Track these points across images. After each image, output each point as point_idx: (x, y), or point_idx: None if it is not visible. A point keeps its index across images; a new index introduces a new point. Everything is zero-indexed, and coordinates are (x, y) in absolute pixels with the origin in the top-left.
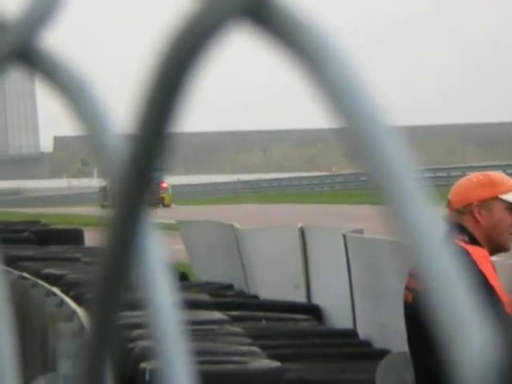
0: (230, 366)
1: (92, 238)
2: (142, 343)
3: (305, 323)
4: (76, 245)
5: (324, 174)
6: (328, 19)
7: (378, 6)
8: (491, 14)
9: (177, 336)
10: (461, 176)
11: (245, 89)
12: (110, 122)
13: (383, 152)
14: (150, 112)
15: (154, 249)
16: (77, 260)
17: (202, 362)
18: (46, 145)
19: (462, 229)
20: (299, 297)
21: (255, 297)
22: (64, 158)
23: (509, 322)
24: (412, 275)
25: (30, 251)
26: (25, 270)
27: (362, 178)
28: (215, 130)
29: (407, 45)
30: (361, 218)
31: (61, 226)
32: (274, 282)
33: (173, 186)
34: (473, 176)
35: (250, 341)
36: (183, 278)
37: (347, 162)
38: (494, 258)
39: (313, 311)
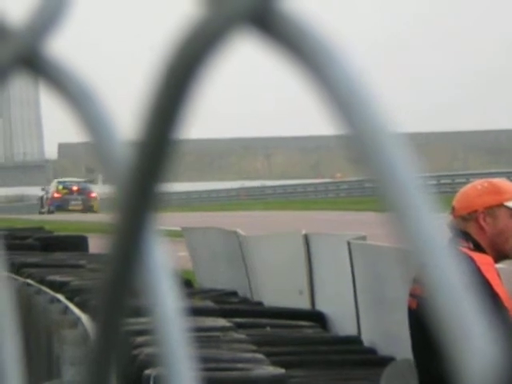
0: (234, 373)
1: (96, 245)
2: (147, 350)
3: (309, 330)
4: (80, 251)
5: (328, 180)
6: (332, 26)
7: (381, 14)
8: (495, 21)
9: (181, 343)
10: (465, 183)
11: (249, 95)
12: (115, 128)
13: (387, 159)
14: (155, 119)
15: (159, 255)
16: (81, 267)
17: (206, 369)
18: (51, 152)
19: (466, 236)
20: (303, 303)
21: (259, 304)
22: (68, 165)
23: None
24: (416, 282)
25: (34, 258)
26: (29, 276)
27: (367, 185)
28: (219, 136)
29: (410, 51)
30: (365, 224)
31: (65, 233)
32: (279, 288)
33: (177, 193)
34: (477, 183)
35: (254, 348)
36: (187, 284)
37: (351, 169)
38: (498, 265)
39: (317, 318)
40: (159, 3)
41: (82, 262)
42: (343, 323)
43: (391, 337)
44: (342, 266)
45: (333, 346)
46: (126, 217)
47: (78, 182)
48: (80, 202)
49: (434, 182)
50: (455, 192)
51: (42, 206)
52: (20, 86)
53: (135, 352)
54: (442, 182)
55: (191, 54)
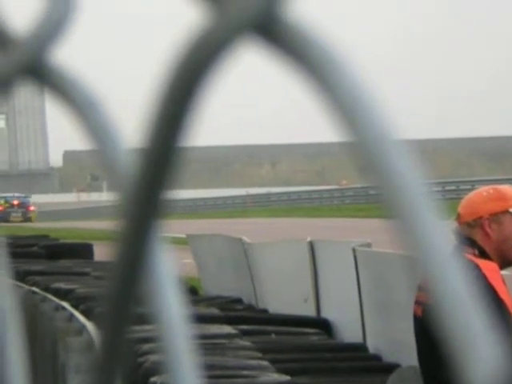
0: (240, 381)
1: (102, 253)
2: (152, 357)
3: (314, 337)
4: (85, 259)
5: (333, 187)
6: (337, 35)
7: (387, 23)
8: (494, 27)
9: (187, 350)
10: (470, 189)
11: (254, 103)
12: (121, 136)
13: (392, 166)
14: (160, 126)
15: (164, 263)
16: (86, 274)
17: (211, 377)
18: (56, 159)
19: (471, 242)
20: (309, 311)
21: (264, 311)
22: (73, 173)
23: None
24: (421, 289)
25: (39, 266)
26: (34, 284)
27: (372, 192)
28: (224, 144)
29: (415, 59)
30: (370, 231)
31: (70, 241)
32: (284, 295)
33: (182, 200)
34: (483, 190)
35: (259, 355)
36: (192, 292)
37: (357, 176)
38: (503, 272)
39: (322, 325)
40: (165, 12)
41: (87, 270)
42: (348, 330)
43: (396, 344)
44: (347, 273)
45: (338, 353)
46: (131, 224)
47: (18, 197)
48: (20, 214)
49: (439, 189)
50: (460, 198)
51: None
52: (25, 94)
53: (141, 359)
54: (447, 188)
55: (196, 63)
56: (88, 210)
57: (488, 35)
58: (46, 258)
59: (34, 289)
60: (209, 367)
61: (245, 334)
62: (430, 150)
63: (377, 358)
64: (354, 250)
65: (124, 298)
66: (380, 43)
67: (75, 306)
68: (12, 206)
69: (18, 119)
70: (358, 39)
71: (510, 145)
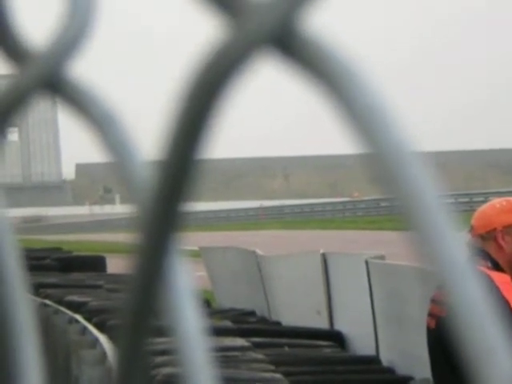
0: None
1: (115, 265)
2: (164, 370)
3: (327, 350)
4: (98, 272)
5: (346, 199)
6: (354, 48)
7: (397, 34)
8: (503, 38)
9: (204, 363)
10: (483, 202)
11: (268, 115)
12: (138, 149)
13: (408, 177)
14: (177, 140)
15: (182, 276)
16: (99, 287)
17: None
18: (68, 172)
19: (484, 255)
20: (321, 323)
21: (277, 323)
22: (86, 185)
23: None
24: (435, 301)
25: (52, 278)
26: (47, 297)
27: (383, 204)
28: (237, 156)
29: (428, 69)
30: (383, 243)
31: (83, 253)
32: (297, 308)
33: (195, 213)
34: (496, 202)
35: (272, 367)
36: (205, 304)
37: (369, 188)
38: None
39: (335, 337)
40: (182, 26)
41: (100, 283)
42: (361, 343)
43: (410, 356)
44: (360, 286)
45: (351, 365)
46: (149, 237)
47: None
48: None
49: (452, 201)
50: (473, 211)
51: None
52: (38, 107)
53: (153, 372)
54: (460, 200)
55: (214, 76)
56: (101, 223)
57: (500, 46)
58: (58, 270)
59: (47, 301)
60: (222, 380)
61: (258, 346)
62: (443, 163)
63: (390, 370)
64: (366, 262)
65: (141, 312)
66: (392, 52)
67: (88, 319)
68: None
69: (31, 132)
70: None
71: None
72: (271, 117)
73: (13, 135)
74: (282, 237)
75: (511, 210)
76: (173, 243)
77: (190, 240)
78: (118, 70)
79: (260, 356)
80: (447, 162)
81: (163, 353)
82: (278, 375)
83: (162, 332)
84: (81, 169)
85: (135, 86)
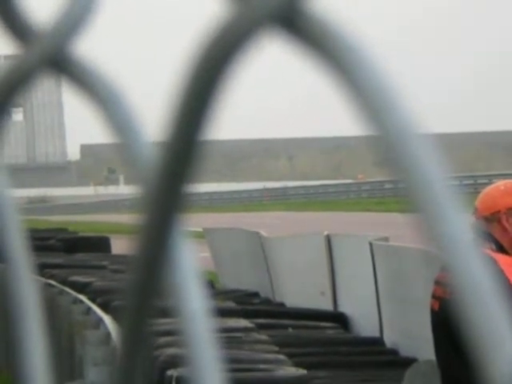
0: (257, 374)
1: (119, 246)
2: (168, 351)
3: (331, 331)
4: (103, 252)
5: (350, 181)
6: (360, 27)
7: (403, 16)
8: (505, 21)
9: (208, 344)
10: (488, 183)
11: (271, 96)
12: (142, 129)
13: (414, 159)
14: (181, 120)
15: (186, 256)
16: (104, 268)
17: (228, 370)
18: (73, 153)
19: (488, 237)
20: (325, 304)
21: (281, 304)
22: (90, 166)
23: None
24: (438, 283)
25: (56, 259)
26: (51, 277)
27: (388, 186)
28: (241, 137)
29: (434, 49)
30: (387, 225)
31: (88, 234)
32: (300, 289)
33: (199, 194)
34: (500, 184)
35: (276, 349)
36: (209, 285)
37: (373, 170)
38: None
39: (339, 319)
40: (188, 3)
41: (104, 263)
42: (365, 324)
43: (413, 338)
44: (364, 267)
45: (355, 347)
46: (152, 218)
47: None
48: None
49: (457, 183)
50: (478, 193)
51: None
52: (42, 87)
53: (157, 353)
54: (465, 182)
55: (218, 55)
56: (105, 204)
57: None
58: (63, 251)
59: (52, 282)
60: (225, 361)
61: (261, 327)
62: (447, 144)
63: (394, 352)
64: (370, 244)
65: (145, 292)
66: (397, 31)
67: (92, 300)
68: None
69: (36, 112)
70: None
71: None
72: (275, 98)
73: (17, 115)
74: (285, 218)
75: None
76: (177, 224)
77: (194, 221)
78: (121, 50)
79: (264, 337)
80: (451, 144)
81: (167, 333)
82: (281, 356)
83: (165, 313)
84: (85, 150)
85: (139, 66)
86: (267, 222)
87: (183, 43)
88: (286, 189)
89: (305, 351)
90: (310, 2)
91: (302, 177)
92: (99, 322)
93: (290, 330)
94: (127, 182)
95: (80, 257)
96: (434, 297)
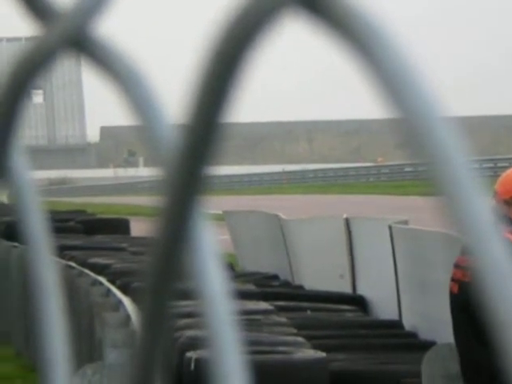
0: (276, 356)
1: (138, 228)
2: (187, 333)
3: (350, 314)
4: (122, 234)
5: (369, 164)
6: (383, 8)
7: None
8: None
9: (227, 325)
10: (507, 167)
11: (292, 78)
12: (163, 111)
13: (436, 142)
14: (202, 102)
15: (206, 238)
16: (123, 250)
17: (247, 352)
18: (93, 135)
19: (508, 220)
20: (344, 287)
21: (300, 287)
22: (110, 148)
23: None
24: (458, 266)
25: (76, 241)
26: (71, 259)
27: (407, 169)
28: (261, 120)
29: (458, 34)
30: (407, 208)
31: (107, 216)
32: (320, 272)
33: (218, 176)
34: None
35: (295, 331)
36: (228, 268)
37: (393, 153)
38: None
39: (358, 302)
40: None
41: (123, 245)
42: (384, 307)
43: (432, 321)
44: (383, 250)
45: (374, 329)
46: (172, 200)
47: None
48: None
49: (477, 166)
50: (498, 176)
51: None
52: (63, 68)
53: (176, 335)
54: (485, 166)
55: (239, 36)
56: (124, 186)
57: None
58: (82, 233)
59: (71, 263)
60: (245, 343)
61: (281, 310)
62: (468, 127)
63: (413, 335)
64: (390, 227)
65: (165, 274)
66: (416, 9)
67: (112, 281)
68: None
69: (56, 94)
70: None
71: None
72: (296, 80)
73: (38, 97)
74: (305, 201)
75: None
76: (197, 206)
77: (214, 203)
78: (142, 30)
79: (283, 319)
80: (471, 127)
81: (187, 315)
82: (300, 339)
83: (185, 295)
84: (105, 132)
85: (160, 46)
86: (286, 205)
87: (205, 24)
88: (305, 172)
89: (324, 334)
90: None
91: (322, 160)
92: (118, 304)
93: (309, 312)
94: (147, 164)
95: (99, 239)
96: (454, 280)
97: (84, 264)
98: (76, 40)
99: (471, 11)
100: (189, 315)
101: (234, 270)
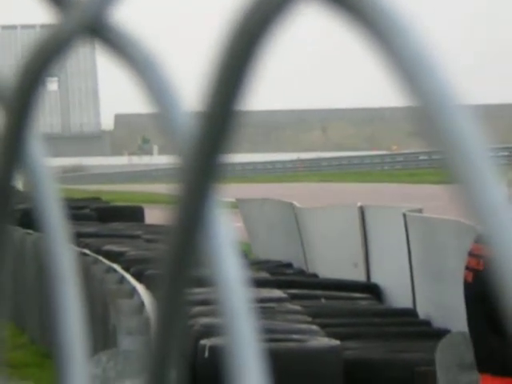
0: (290, 344)
1: (152, 216)
2: (202, 320)
3: (364, 302)
4: (136, 222)
5: (384, 152)
6: None
7: None
8: None
9: (242, 313)
10: None
11: (306, 66)
12: (179, 99)
13: (453, 130)
14: (218, 89)
15: (221, 226)
16: (137, 237)
17: (261, 340)
18: (107, 122)
19: None
20: (358, 275)
21: (314, 275)
22: (124, 136)
23: None
24: (472, 255)
25: (90, 228)
26: (86, 246)
27: (422, 157)
28: (275, 108)
29: (482, 21)
30: (420, 196)
31: (121, 204)
32: (334, 260)
33: (234, 164)
34: None
35: (309, 319)
36: (242, 256)
37: (408, 142)
38: None
39: (372, 290)
40: None
41: (138, 233)
42: (398, 295)
43: (446, 309)
44: (397, 239)
45: (388, 318)
46: (187, 187)
47: None
48: None
49: (493, 154)
50: None
51: None
52: (77, 56)
53: (191, 322)
54: (500, 154)
55: (255, 24)
56: (139, 173)
57: None
58: (97, 220)
59: (86, 251)
60: (259, 331)
61: (294, 298)
62: (484, 115)
63: (426, 323)
64: (404, 215)
65: (180, 262)
66: None
67: (126, 269)
68: None
69: (71, 82)
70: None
71: None
72: (310, 68)
73: (52, 85)
74: (319, 189)
75: None
76: (212, 194)
77: (228, 191)
78: (159, 17)
79: (297, 307)
80: (487, 115)
81: (201, 303)
82: (314, 327)
83: (200, 282)
84: (120, 119)
85: (177, 34)
86: (301, 193)
87: (221, 10)
88: (319, 160)
89: (338, 322)
90: None
91: (336, 148)
92: (133, 291)
93: (323, 300)
94: (161, 151)
95: (114, 226)
96: (468, 268)
97: (98, 251)
98: (92, 27)
99: None
100: (203, 303)
101: (248, 258)
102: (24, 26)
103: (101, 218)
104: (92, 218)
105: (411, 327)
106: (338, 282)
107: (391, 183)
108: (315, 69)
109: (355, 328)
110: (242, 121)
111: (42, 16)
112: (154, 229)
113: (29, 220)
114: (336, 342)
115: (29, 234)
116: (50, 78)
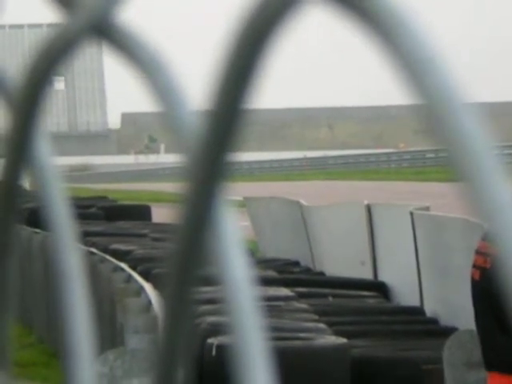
0: (297, 343)
1: (159, 214)
2: (209, 319)
3: (371, 300)
4: (144, 220)
5: (391, 150)
6: None
7: None
8: None
9: (249, 312)
10: None
11: (312, 65)
12: (186, 98)
13: (459, 128)
14: (224, 88)
15: (228, 224)
16: (144, 236)
17: (268, 338)
18: (114, 121)
19: None
20: (366, 274)
21: (321, 273)
22: (131, 135)
23: None
24: (480, 253)
25: (97, 227)
26: (93, 245)
27: (429, 156)
28: (282, 106)
29: (488, 17)
30: (428, 194)
31: (128, 202)
32: (341, 258)
33: (241, 163)
34: None
35: (316, 317)
36: (249, 254)
37: (415, 139)
38: None
39: (379, 288)
40: None
41: (145, 231)
42: (405, 293)
43: (454, 307)
44: (404, 237)
45: (395, 316)
46: (194, 186)
47: None
48: None
49: (498, 152)
50: None
51: None
52: (84, 55)
53: (198, 321)
54: (505, 152)
55: (262, 23)
56: (146, 172)
57: None
58: (104, 219)
59: (93, 250)
60: (266, 329)
61: (302, 296)
62: (489, 113)
63: (434, 321)
64: (411, 214)
65: (187, 261)
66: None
67: (133, 267)
68: None
69: (78, 81)
70: None
71: None
72: (316, 66)
73: (59, 84)
74: (326, 187)
75: None
76: (219, 193)
77: (235, 190)
78: (166, 17)
79: (304, 306)
80: (492, 113)
81: (208, 302)
82: (321, 325)
83: (207, 281)
84: (126, 118)
85: (183, 33)
86: (307, 191)
87: (228, 9)
88: (326, 158)
89: (345, 320)
90: None
91: (343, 146)
92: (140, 289)
93: (330, 298)
94: (168, 150)
95: (121, 225)
96: (475, 266)
97: (105, 250)
98: (98, 27)
99: None
100: (210, 301)
101: (255, 257)
102: (31, 26)
103: (108, 217)
104: (99, 217)
105: (418, 325)
106: (345, 280)
107: (398, 181)
108: (321, 67)
109: (362, 326)
110: (249, 119)
111: (49, 15)
112: (161, 227)
113: (36, 219)
114: (343, 340)
115: (36, 232)
116: (56, 78)
